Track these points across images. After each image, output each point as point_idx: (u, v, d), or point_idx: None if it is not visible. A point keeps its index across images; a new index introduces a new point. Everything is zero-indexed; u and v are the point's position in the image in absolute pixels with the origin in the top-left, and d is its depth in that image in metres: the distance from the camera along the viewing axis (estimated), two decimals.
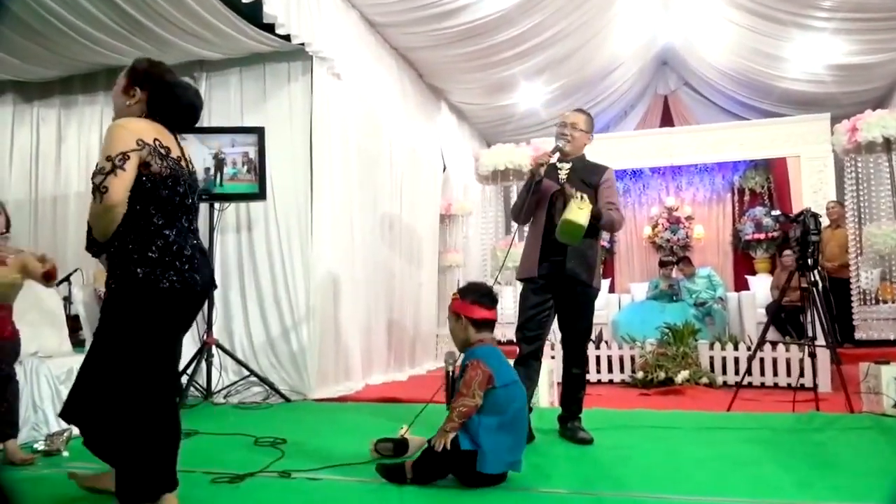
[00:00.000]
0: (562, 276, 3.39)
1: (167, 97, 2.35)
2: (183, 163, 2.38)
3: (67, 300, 4.82)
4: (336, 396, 4.95)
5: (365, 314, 5.68)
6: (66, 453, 3.29)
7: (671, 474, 2.77)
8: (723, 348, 5.68)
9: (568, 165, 3.53)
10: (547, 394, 4.46)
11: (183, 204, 2.34)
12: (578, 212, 3.16)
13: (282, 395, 4.81)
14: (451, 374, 2.81)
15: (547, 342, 3.90)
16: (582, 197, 3.22)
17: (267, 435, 3.51)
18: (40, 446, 3.31)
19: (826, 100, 7.61)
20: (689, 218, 9.51)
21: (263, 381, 4.87)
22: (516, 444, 2.62)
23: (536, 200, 3.50)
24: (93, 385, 2.31)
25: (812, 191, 6.97)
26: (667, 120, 9.68)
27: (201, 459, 3.06)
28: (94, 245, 2.29)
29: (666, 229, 9.48)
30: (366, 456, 3.02)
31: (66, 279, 4.97)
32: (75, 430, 3.55)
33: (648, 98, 10.04)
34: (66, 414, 2.43)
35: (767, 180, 9.33)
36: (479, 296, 2.79)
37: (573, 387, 3.53)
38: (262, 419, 4.19)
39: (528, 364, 3.45)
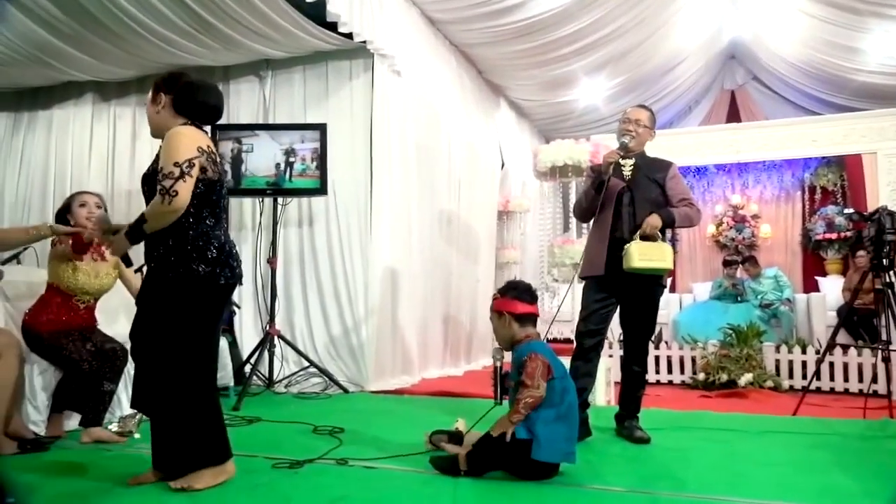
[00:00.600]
0: (627, 274, 3.33)
1: (190, 95, 2.61)
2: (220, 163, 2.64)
3: None
4: (392, 389, 5.02)
5: (422, 309, 5.73)
6: (137, 434, 3.44)
7: (731, 477, 2.70)
8: (790, 351, 5.49)
9: (631, 161, 3.49)
10: (604, 392, 4.41)
11: (224, 205, 2.64)
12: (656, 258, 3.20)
13: (340, 386, 4.91)
14: (499, 369, 2.83)
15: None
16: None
17: (325, 424, 3.60)
18: (114, 428, 3.47)
19: None
20: (755, 216, 9.20)
21: (322, 371, 4.98)
22: (570, 436, 2.64)
23: (602, 197, 3.47)
24: (157, 372, 2.49)
25: (890, 189, 6.66)
26: (734, 115, 9.38)
27: (263, 445, 3.17)
28: (141, 236, 2.54)
29: (731, 228, 9.19)
30: (421, 447, 3.06)
31: (139, 270, 5.19)
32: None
33: (714, 93, 9.75)
34: (137, 403, 2.65)
35: (841, 178, 8.93)
36: (519, 292, 2.83)
37: (633, 385, 3.49)
38: (320, 408, 4.29)
39: (589, 359, 3.42)
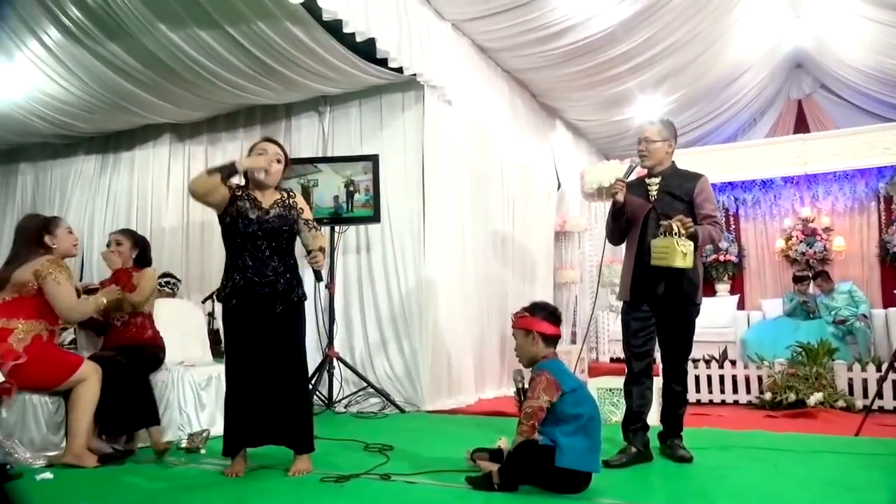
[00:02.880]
0: (659, 298, 3.34)
1: None
2: None
3: (211, 315, 5.41)
4: (448, 409, 5.15)
5: (478, 330, 5.86)
6: (203, 451, 3.72)
7: (765, 495, 2.69)
8: (863, 369, 5.27)
9: (657, 179, 3.43)
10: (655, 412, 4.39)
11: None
12: (679, 255, 3.13)
13: (396, 406, 5.08)
14: (521, 390, 2.93)
15: None
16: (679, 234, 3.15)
17: (377, 441, 3.77)
18: (183, 444, 3.77)
19: None
20: (826, 229, 8.83)
21: (380, 392, 5.18)
22: (592, 446, 2.72)
23: (626, 220, 3.49)
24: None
25: None
26: (801, 126, 9.09)
27: (316, 461, 3.35)
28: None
29: (801, 242, 8.85)
30: (462, 464, 3.17)
31: (211, 297, 5.58)
32: (213, 430, 4.04)
33: (780, 103, 9.49)
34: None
35: None
36: (547, 313, 2.94)
37: (673, 404, 3.48)
38: (375, 427, 4.47)
39: (641, 382, 3.43)
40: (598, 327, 6.93)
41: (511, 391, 6.14)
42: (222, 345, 4.89)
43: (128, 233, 4.16)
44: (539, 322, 2.90)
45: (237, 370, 3.16)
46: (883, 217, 8.70)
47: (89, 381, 3.43)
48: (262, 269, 3.15)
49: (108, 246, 4.05)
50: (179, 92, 5.58)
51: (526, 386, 2.91)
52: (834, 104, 9.04)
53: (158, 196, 6.60)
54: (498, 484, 2.75)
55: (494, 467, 2.83)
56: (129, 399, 3.58)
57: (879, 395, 4.66)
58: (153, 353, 3.94)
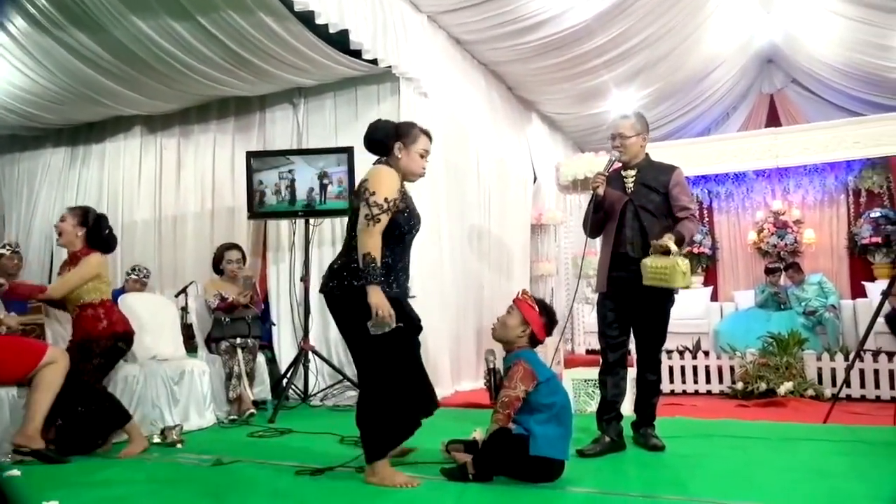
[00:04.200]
0: (637, 286, 3.37)
1: None
2: None
3: (184, 310, 5.34)
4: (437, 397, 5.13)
5: (454, 323, 5.86)
6: (179, 445, 3.68)
7: (738, 482, 2.73)
8: (832, 359, 5.38)
9: (633, 172, 3.49)
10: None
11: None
12: (680, 275, 3.17)
13: None
14: (493, 370, 2.95)
15: None
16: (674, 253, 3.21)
17: (352, 435, 3.73)
18: (155, 439, 3.72)
19: None
20: (797, 222, 8.99)
21: (355, 385, 5.13)
22: (565, 434, 2.77)
23: (604, 213, 3.52)
24: None
25: None
26: (773, 120, 9.22)
27: (291, 454, 3.35)
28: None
29: (772, 234, 9.01)
30: (438, 455, 3.18)
31: (184, 291, 5.52)
32: (186, 425, 4.00)
33: (753, 98, 9.61)
34: None
35: (887, 179, 8.64)
36: (550, 321, 3.00)
37: (647, 393, 3.52)
38: (351, 420, 4.40)
39: (615, 372, 3.47)
40: (573, 319, 6.97)
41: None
42: (195, 339, 4.86)
43: (75, 209, 3.73)
44: (540, 324, 2.95)
45: None
46: (851, 210, 8.88)
47: (57, 364, 3.37)
48: None
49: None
50: (151, 83, 5.47)
51: (496, 366, 2.92)
52: (805, 99, 9.18)
53: (130, 189, 6.48)
54: (472, 474, 2.76)
55: (469, 458, 2.84)
56: (83, 415, 3.44)
57: (847, 383, 4.76)
58: (107, 346, 3.57)
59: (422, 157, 3.01)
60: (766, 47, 8.74)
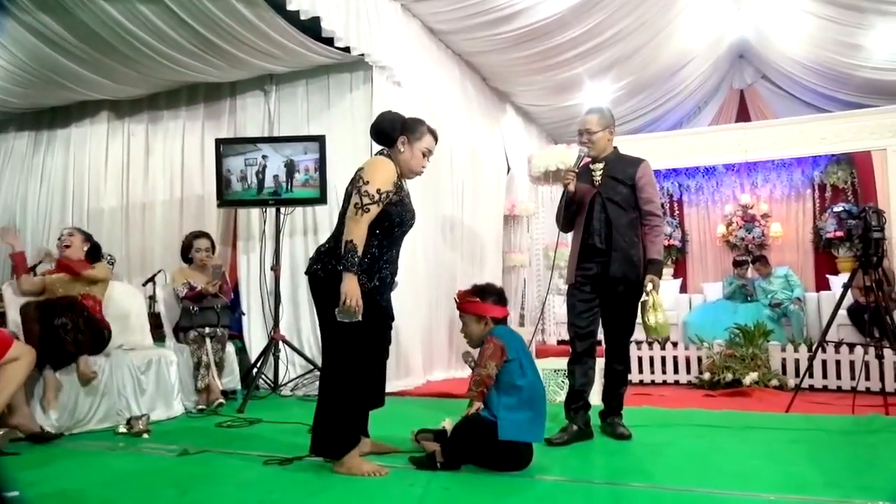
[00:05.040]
0: (605, 278, 3.43)
1: None
2: None
3: (152, 299, 5.27)
4: (396, 391, 5.14)
5: (427, 314, 5.86)
6: (146, 435, 3.63)
7: (700, 469, 2.79)
8: (795, 350, 5.49)
9: (601, 165, 3.54)
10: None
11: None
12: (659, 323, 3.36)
13: None
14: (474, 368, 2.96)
15: None
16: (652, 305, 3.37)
17: None
18: (121, 429, 3.67)
19: None
20: (765, 216, 9.16)
21: None
22: (535, 418, 2.77)
23: (576, 207, 3.56)
24: None
25: None
26: (743, 115, 9.35)
27: (259, 444, 3.34)
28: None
29: (740, 227, 9.17)
30: (408, 444, 3.19)
31: (151, 280, 5.44)
32: (153, 416, 3.96)
33: (724, 93, 9.74)
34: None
35: (851, 175, 8.84)
36: (498, 297, 2.99)
37: (614, 383, 3.56)
38: None
39: (584, 362, 3.50)
40: (544, 310, 7.03)
41: (459, 374, 6.23)
42: (163, 328, 4.80)
43: (79, 230, 4.51)
44: (491, 307, 2.95)
45: None
46: (817, 204, 9.07)
47: (20, 361, 3.34)
48: None
49: (59, 240, 4.33)
50: (117, 67, 5.35)
51: (468, 362, 2.94)
52: (774, 95, 9.33)
53: (96, 176, 6.34)
54: (441, 462, 2.77)
55: (438, 447, 2.85)
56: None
57: (810, 374, 4.86)
58: (99, 330, 4.01)
59: (424, 155, 3.01)
60: (737, 43, 8.86)
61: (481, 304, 2.96)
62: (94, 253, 4.39)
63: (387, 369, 5.19)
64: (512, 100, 8.07)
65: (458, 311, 3.03)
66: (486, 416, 2.76)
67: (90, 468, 2.98)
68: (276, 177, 5.10)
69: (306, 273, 3.00)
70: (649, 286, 3.39)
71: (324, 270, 2.87)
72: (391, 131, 2.99)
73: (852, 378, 5.14)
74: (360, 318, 2.71)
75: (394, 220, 2.88)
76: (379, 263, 2.88)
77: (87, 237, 4.41)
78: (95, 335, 3.94)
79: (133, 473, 2.88)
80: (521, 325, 7.73)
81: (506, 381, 2.77)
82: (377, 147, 3.13)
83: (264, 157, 5.10)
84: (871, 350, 4.44)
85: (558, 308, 7.97)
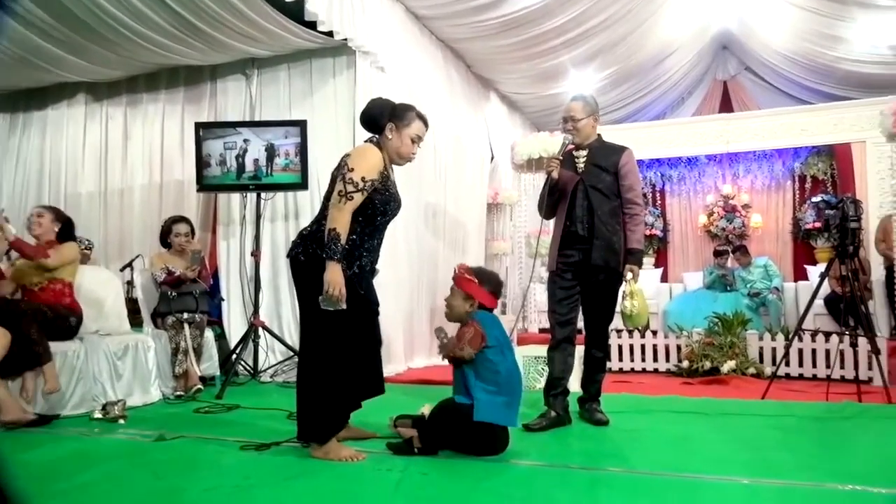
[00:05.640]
0: (586, 265, 3.44)
1: None
2: None
3: (130, 284, 5.21)
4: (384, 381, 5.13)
5: (408, 301, 5.85)
6: (121, 421, 3.60)
7: (675, 454, 2.81)
8: (772, 339, 5.56)
9: (584, 152, 3.55)
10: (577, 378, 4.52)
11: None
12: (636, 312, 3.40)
13: None
14: (444, 345, 2.96)
15: None
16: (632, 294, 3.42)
17: None
18: (97, 415, 3.63)
19: (894, 82, 7.25)
20: (746, 206, 9.25)
21: None
22: (510, 402, 2.77)
23: (558, 195, 3.56)
24: None
25: (879, 178, 6.66)
26: (726, 106, 9.42)
27: (237, 430, 3.31)
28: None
29: (721, 218, 9.25)
30: (386, 431, 3.19)
31: (129, 265, 5.38)
32: (130, 401, 3.92)
33: (707, 84, 9.78)
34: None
35: (831, 167, 8.95)
36: (493, 286, 2.99)
37: (593, 369, 3.58)
38: None
39: (563, 348, 3.51)
40: (526, 298, 7.04)
41: (440, 361, 6.23)
42: (141, 314, 4.75)
43: (49, 208, 4.32)
44: (483, 294, 2.95)
45: None
46: (797, 195, 9.16)
47: None
48: None
49: (28, 220, 4.16)
50: (96, 49, 5.25)
51: (441, 338, 2.93)
52: (757, 86, 9.39)
53: (73, 159, 6.24)
54: (418, 448, 2.77)
55: (415, 433, 2.85)
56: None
57: (786, 362, 4.92)
58: (65, 316, 3.95)
59: (413, 141, 2.97)
60: (721, 34, 8.88)
61: (476, 286, 2.95)
62: (66, 232, 4.19)
63: None
64: (496, 87, 8.04)
65: (452, 282, 3.01)
66: (463, 401, 2.77)
67: (64, 454, 2.94)
68: (256, 160, 5.05)
69: (288, 256, 2.96)
70: (629, 275, 3.41)
71: (305, 254, 2.84)
72: (379, 118, 2.95)
73: (827, 366, 5.22)
74: (343, 306, 2.70)
75: (377, 208, 2.85)
76: (359, 251, 2.86)
77: (58, 215, 4.23)
78: (61, 323, 3.87)
79: (108, 459, 2.85)
80: (504, 313, 7.75)
81: (485, 366, 2.77)
82: (362, 133, 3.10)
83: (245, 140, 5.04)
84: (846, 339, 4.51)
85: (540, 296, 8.00)
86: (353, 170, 2.75)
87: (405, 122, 2.95)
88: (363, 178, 2.75)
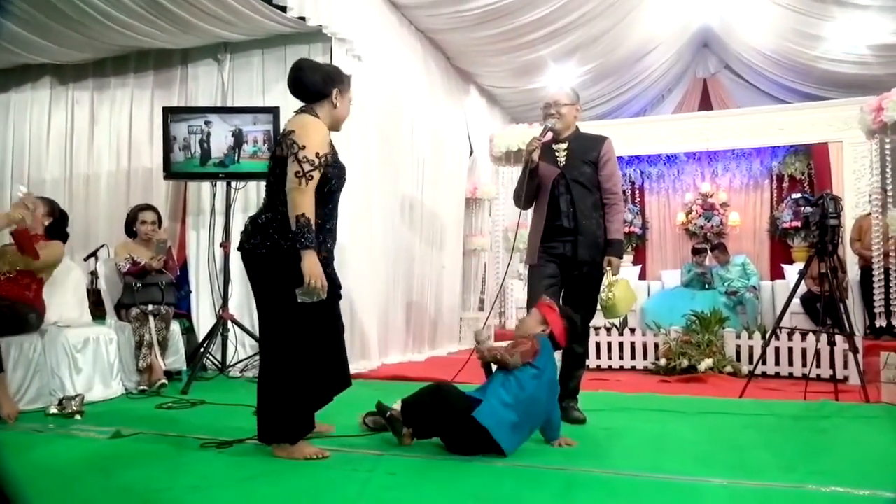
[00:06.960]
0: (569, 259, 3.39)
1: None
2: None
3: (94, 274, 5.02)
4: (350, 373, 5.01)
5: (383, 295, 5.73)
6: (78, 416, 3.44)
7: (653, 454, 2.74)
8: (749, 337, 5.53)
9: (564, 145, 3.48)
10: None
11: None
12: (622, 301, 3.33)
13: None
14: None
15: None
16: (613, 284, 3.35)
17: None
18: (53, 410, 3.47)
19: (870, 82, 7.27)
20: (724, 204, 9.26)
21: None
22: (517, 427, 2.67)
23: (536, 185, 3.48)
24: None
25: (855, 177, 6.68)
26: (706, 104, 9.41)
27: (199, 427, 3.17)
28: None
29: (700, 216, 9.26)
30: (356, 428, 3.07)
31: (94, 254, 5.18)
32: (88, 396, 3.76)
33: (687, 81, 9.77)
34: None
35: (808, 166, 8.99)
36: (571, 326, 2.97)
37: (572, 365, 3.50)
38: None
39: None
40: (504, 294, 6.96)
41: (415, 356, 6.13)
42: (104, 305, 4.57)
43: (44, 199, 4.08)
44: (561, 326, 2.92)
45: None
46: (774, 194, 9.19)
47: None
48: None
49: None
50: (61, 29, 5.05)
51: (480, 340, 2.89)
52: (736, 85, 9.40)
53: (37, 144, 6.02)
54: (402, 422, 2.76)
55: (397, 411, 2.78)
56: None
57: (763, 360, 4.89)
58: (23, 313, 3.72)
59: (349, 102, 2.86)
60: (701, 31, 8.86)
61: (556, 316, 2.93)
62: (57, 229, 4.02)
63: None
64: (476, 80, 7.94)
65: (538, 304, 3.00)
66: (474, 395, 2.71)
67: (9, 452, 2.78)
68: (227, 146, 4.87)
69: (239, 249, 2.73)
70: (607, 267, 3.35)
71: (264, 246, 2.63)
72: (324, 86, 2.76)
73: (804, 365, 5.20)
74: (324, 296, 2.56)
75: (332, 182, 2.69)
76: (323, 233, 2.70)
77: (52, 209, 4.02)
78: (18, 319, 3.68)
79: (57, 457, 2.70)
80: (481, 309, 7.67)
81: (516, 380, 2.69)
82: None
83: (207, 122, 4.84)
84: (824, 337, 4.48)
85: (518, 292, 7.93)
86: (304, 147, 2.55)
87: (346, 84, 2.83)
88: (317, 154, 2.57)
